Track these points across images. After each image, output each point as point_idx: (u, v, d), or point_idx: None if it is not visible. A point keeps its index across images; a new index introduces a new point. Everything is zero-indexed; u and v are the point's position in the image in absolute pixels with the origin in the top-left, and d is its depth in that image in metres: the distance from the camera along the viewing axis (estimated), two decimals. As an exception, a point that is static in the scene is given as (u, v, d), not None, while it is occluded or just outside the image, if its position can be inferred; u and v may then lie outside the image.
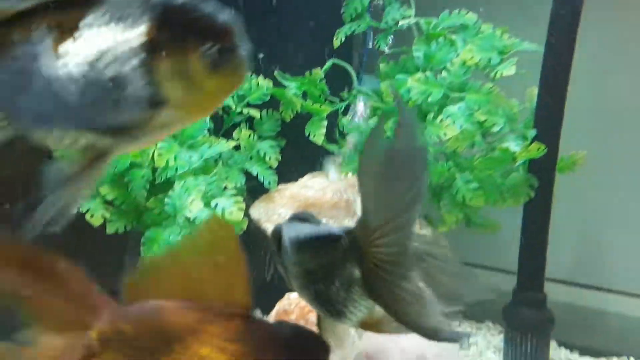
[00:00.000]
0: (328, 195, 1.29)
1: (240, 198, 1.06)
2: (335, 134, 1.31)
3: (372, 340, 1.15)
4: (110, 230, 1.13)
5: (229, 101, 1.24)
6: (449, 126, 1.10)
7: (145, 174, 1.09)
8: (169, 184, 1.10)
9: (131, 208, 1.13)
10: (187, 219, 1.02)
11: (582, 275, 1.38)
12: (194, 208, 1.01)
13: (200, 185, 1.06)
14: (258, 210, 1.18)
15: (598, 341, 1.27)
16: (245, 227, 1.09)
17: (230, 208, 1.03)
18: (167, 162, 1.07)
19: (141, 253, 1.07)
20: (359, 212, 1.36)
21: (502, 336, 1.26)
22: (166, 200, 1.05)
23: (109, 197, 1.11)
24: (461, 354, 1.16)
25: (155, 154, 1.08)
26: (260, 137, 1.26)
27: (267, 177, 1.19)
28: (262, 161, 1.21)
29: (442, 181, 1.16)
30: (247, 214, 1.10)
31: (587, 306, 1.36)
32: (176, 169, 1.08)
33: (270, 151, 1.23)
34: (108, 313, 0.36)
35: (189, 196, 1.03)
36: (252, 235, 1.13)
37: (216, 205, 1.04)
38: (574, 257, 1.39)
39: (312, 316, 1.00)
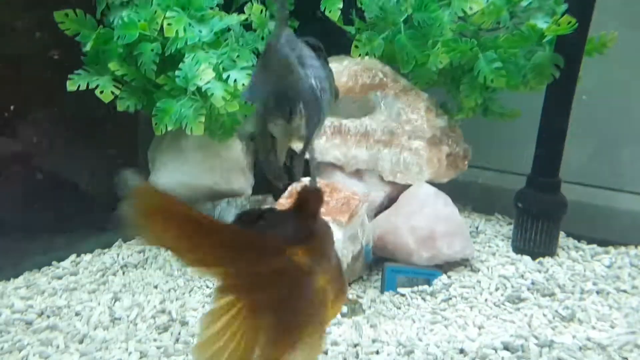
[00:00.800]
0: (343, 80, 1.25)
1: (252, 72, 1.02)
2: (352, 14, 1.24)
3: (382, 222, 1.16)
4: (121, 107, 1.10)
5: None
6: (475, -1, 1.03)
7: (154, 47, 1.05)
8: (178, 61, 1.06)
9: (141, 85, 1.11)
10: (199, 89, 0.99)
11: (593, 176, 1.36)
12: (205, 76, 0.98)
13: (212, 58, 1.02)
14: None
15: (607, 233, 1.28)
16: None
17: (243, 80, 1.00)
18: (177, 33, 1.03)
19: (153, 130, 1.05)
20: (373, 98, 1.31)
21: (510, 227, 1.27)
22: (177, 72, 1.02)
23: (119, 74, 1.08)
24: (471, 239, 1.17)
25: (165, 24, 1.03)
26: (273, 17, 1.20)
27: (279, 57, 1.14)
28: (275, 41, 1.15)
29: (463, 62, 1.11)
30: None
31: (597, 204, 1.36)
32: (186, 40, 1.03)
33: (283, 31, 1.17)
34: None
35: (199, 67, 0.99)
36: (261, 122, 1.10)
37: (228, 76, 1.00)
38: (588, 158, 1.37)
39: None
